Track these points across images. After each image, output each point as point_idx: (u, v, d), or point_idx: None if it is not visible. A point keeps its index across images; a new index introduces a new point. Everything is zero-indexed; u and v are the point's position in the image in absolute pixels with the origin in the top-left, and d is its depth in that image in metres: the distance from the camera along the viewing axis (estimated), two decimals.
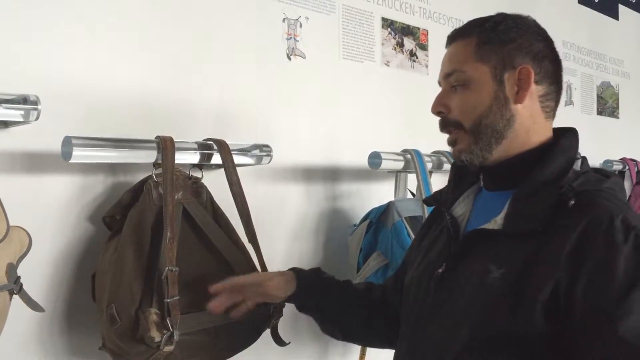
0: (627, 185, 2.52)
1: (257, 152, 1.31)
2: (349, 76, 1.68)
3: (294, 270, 1.15)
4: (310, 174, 1.58)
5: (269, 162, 1.33)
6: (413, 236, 1.41)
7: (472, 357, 0.91)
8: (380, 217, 1.48)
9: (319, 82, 1.60)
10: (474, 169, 1.04)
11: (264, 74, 1.48)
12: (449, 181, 1.12)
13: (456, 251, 0.98)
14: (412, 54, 1.88)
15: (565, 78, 2.47)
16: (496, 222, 0.95)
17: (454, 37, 1.01)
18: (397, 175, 1.57)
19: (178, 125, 1.29)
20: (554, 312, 0.85)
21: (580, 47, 2.57)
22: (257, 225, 1.27)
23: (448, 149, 1.70)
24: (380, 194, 1.70)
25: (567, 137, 1.00)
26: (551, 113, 1.00)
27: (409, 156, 1.53)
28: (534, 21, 1.01)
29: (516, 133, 0.97)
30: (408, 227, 1.42)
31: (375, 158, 1.50)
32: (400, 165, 1.53)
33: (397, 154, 1.55)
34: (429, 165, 1.57)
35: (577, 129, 2.53)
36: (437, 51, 1.93)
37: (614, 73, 2.78)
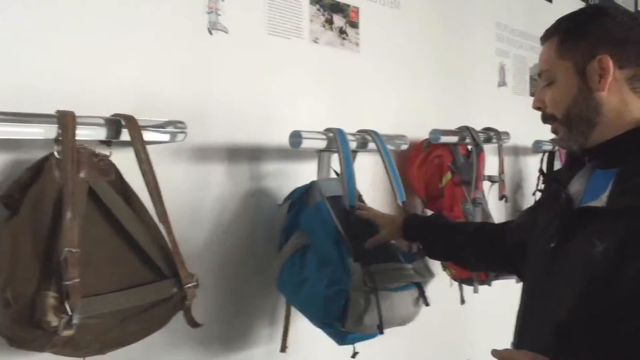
0: (557, 165, 2.58)
1: (171, 128, 1.27)
2: (275, 53, 1.64)
3: (406, 218, 1.48)
4: (235, 153, 1.55)
5: (184, 139, 1.29)
6: (334, 216, 1.40)
7: (577, 324, 1.00)
8: (302, 196, 1.46)
9: (243, 59, 1.56)
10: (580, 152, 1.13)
11: (183, 49, 1.42)
12: (566, 160, 1.24)
13: (564, 227, 1.07)
14: (342, 32, 1.85)
15: (499, 59, 2.52)
16: (601, 200, 1.03)
17: (545, 38, 1.13)
18: (320, 154, 1.54)
19: (92, 102, 1.22)
20: None
21: (514, 28, 2.59)
22: (177, 205, 1.24)
23: (375, 127, 1.71)
24: (309, 173, 1.67)
25: None
26: None
27: (331, 135, 1.51)
28: (613, 8, 1.10)
29: (608, 118, 1.06)
30: (329, 207, 1.41)
31: (295, 137, 1.47)
32: (322, 144, 1.51)
33: (320, 132, 1.53)
34: (353, 145, 1.56)
35: (510, 110, 2.60)
36: (369, 29, 1.91)
37: None
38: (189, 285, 1.18)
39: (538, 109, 1.14)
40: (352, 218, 1.40)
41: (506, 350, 1.03)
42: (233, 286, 1.52)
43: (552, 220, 1.13)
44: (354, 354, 1.52)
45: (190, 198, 1.44)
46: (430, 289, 1.80)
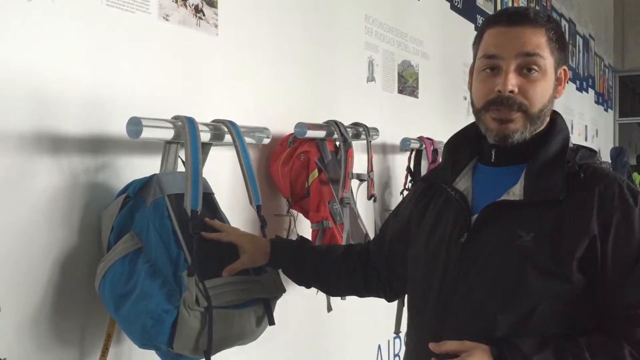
0: (424, 164, 2.55)
1: None
2: (116, 29, 1.40)
3: (272, 241, 1.36)
4: (62, 143, 1.28)
5: None
6: (174, 219, 1.19)
7: (512, 315, 1.04)
8: (139, 191, 1.23)
9: (74, 32, 1.30)
10: (485, 146, 1.16)
11: None
12: (445, 160, 1.23)
13: (478, 221, 1.10)
14: (198, 10, 1.64)
15: (368, 54, 2.44)
16: (514, 194, 1.08)
17: (522, 20, 1.08)
18: (167, 145, 1.32)
19: None
20: (588, 265, 1.03)
21: (383, 23, 2.53)
22: None
23: (235, 118, 1.52)
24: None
25: (560, 119, 1.16)
26: None
27: (180, 124, 1.30)
28: None
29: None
30: (170, 207, 1.19)
31: (134, 125, 1.23)
32: (169, 134, 1.29)
33: (166, 121, 1.31)
34: (206, 136, 1.35)
35: (378, 106, 2.52)
36: (229, 10, 1.72)
37: (414, 53, 2.80)
38: None
39: (511, 92, 1.08)
40: (193, 226, 1.19)
41: (445, 342, 1.05)
42: (56, 305, 1.25)
43: (442, 219, 1.14)
44: None
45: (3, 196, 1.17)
46: (296, 298, 1.65)
